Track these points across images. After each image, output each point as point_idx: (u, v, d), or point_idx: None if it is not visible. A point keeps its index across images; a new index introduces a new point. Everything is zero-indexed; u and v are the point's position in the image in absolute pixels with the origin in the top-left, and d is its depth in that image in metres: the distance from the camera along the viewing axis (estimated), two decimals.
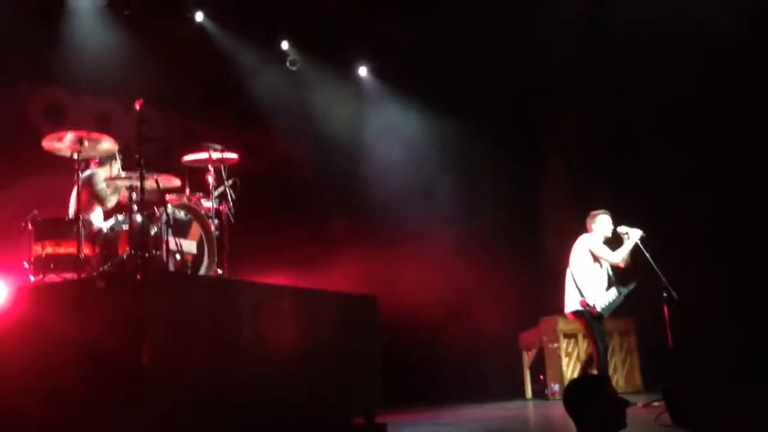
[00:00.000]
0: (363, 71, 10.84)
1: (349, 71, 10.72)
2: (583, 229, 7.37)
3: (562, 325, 8.77)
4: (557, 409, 7.53)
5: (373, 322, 6.50)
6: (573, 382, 3.29)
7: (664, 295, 6.75)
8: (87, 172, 6.04)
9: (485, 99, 10.33)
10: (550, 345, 8.86)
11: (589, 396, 3.05)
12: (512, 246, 10.05)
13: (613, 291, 7.11)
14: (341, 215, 10.39)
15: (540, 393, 8.85)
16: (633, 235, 7.02)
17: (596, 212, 7.33)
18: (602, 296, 7.05)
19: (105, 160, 6.17)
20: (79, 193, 5.73)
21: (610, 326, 8.99)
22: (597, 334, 7.01)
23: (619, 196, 9.31)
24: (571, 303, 7.14)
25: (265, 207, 8.79)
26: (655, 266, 6.86)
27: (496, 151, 10.31)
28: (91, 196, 6.03)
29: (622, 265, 7.20)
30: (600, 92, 9.81)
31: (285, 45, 10.14)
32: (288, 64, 10.14)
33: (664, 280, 6.80)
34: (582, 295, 7.02)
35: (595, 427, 3.00)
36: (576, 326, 8.63)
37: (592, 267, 7.14)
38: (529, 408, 7.90)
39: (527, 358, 9.17)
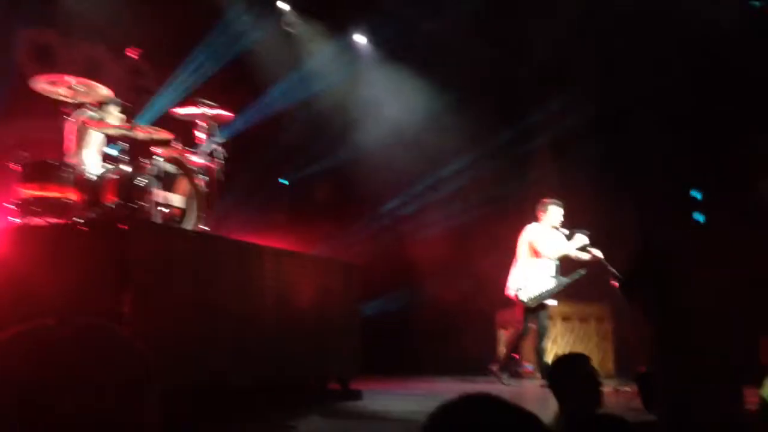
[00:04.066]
0: (360, 38, 10.74)
1: (345, 36, 10.60)
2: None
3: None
4: (529, 387, 7.63)
5: (355, 289, 6.53)
6: (557, 358, 3.36)
7: (614, 283, 7.05)
8: (77, 118, 5.95)
9: (479, 80, 10.27)
10: (527, 324, 8.91)
11: (569, 372, 3.12)
12: (496, 223, 10.07)
13: (551, 281, 7.42)
14: (329, 181, 10.35)
15: (514, 372, 8.92)
16: (578, 240, 7.38)
17: (548, 201, 7.54)
18: (534, 287, 7.39)
19: (97, 107, 6.09)
20: (67, 138, 5.66)
21: (587, 311, 9.14)
22: (525, 319, 7.51)
23: (604, 184, 9.41)
24: (510, 288, 7.57)
25: (253, 167, 8.74)
26: (604, 261, 7.27)
27: (488, 130, 10.29)
28: (80, 140, 5.95)
29: (572, 255, 7.54)
30: (590, 80, 9.79)
31: (282, 5, 10.02)
32: (284, 24, 10.02)
33: (612, 270, 7.08)
34: (516, 284, 7.46)
35: (573, 403, 3.05)
36: (553, 309, 8.81)
37: (532, 257, 7.44)
38: (503, 385, 7.96)
39: (504, 335, 9.24)
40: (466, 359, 9.16)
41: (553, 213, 7.48)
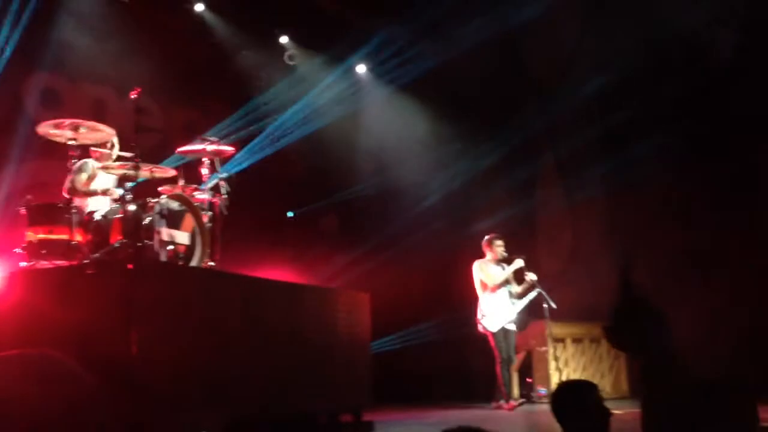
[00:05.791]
0: (361, 68, 10.82)
1: (347, 68, 10.69)
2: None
3: (550, 329, 8.79)
4: (543, 413, 7.56)
5: (364, 319, 6.51)
6: (560, 386, 3.28)
7: (544, 305, 7.99)
8: (81, 161, 6.02)
9: (481, 101, 10.32)
10: (538, 348, 8.89)
11: (574, 401, 3.06)
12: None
13: (506, 308, 7.98)
14: (334, 212, 10.38)
15: (527, 396, 8.87)
16: (515, 264, 8.09)
17: (490, 236, 8.21)
18: (493, 316, 7.95)
19: (102, 148, 6.15)
20: (73, 181, 5.74)
21: (598, 332, 9.09)
22: (497, 348, 7.93)
23: (612, 199, 9.43)
24: (478, 323, 8.04)
25: (258, 201, 8.79)
26: (537, 285, 8.00)
27: (492, 154, 10.33)
28: (86, 183, 6.02)
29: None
30: (591, 92, 9.81)
31: (284, 39, 10.14)
32: (286, 58, 10.13)
33: (543, 293, 7.97)
34: (479, 319, 8.00)
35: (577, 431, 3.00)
36: (564, 330, 8.86)
37: (484, 290, 8.03)
38: (516, 410, 7.91)
39: (515, 361, 9.18)
40: (478, 386, 9.12)
41: (496, 247, 8.12)
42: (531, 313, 8.35)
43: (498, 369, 7.93)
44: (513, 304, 8.05)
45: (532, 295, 8.05)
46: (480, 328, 8.02)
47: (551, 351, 8.71)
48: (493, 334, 7.93)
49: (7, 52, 7.51)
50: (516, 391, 9.07)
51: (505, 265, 8.16)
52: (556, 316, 8.45)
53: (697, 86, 8.95)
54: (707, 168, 9.03)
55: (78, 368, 1.61)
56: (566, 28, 9.45)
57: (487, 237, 8.25)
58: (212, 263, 6.03)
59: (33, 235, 5.43)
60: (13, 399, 1.51)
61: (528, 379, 9.02)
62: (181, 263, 5.72)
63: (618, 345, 3.37)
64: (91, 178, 6.05)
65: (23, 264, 5.42)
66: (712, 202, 9.03)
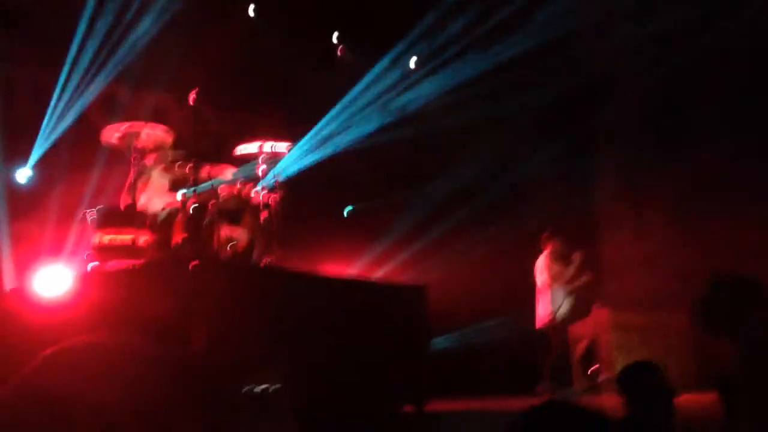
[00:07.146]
0: (413, 63, 10.79)
1: (399, 63, 10.68)
2: None
3: (614, 316, 8.66)
4: (607, 400, 7.46)
5: (423, 311, 6.53)
6: (625, 366, 3.28)
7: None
8: (143, 163, 6.21)
9: (534, 90, 10.18)
10: (602, 336, 8.76)
11: (639, 380, 3.06)
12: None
13: (568, 301, 8.31)
14: (392, 205, 10.41)
15: (591, 384, 8.76)
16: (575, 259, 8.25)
17: (547, 234, 8.38)
18: (561, 309, 8.29)
19: (162, 151, 6.33)
20: (135, 184, 5.93)
21: (665, 320, 8.92)
22: (557, 339, 8.21)
23: (674, 189, 9.17)
24: (541, 317, 8.30)
25: (316, 197, 8.90)
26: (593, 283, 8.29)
27: (547, 147, 10.18)
28: (148, 186, 6.21)
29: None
30: (648, 81, 9.55)
31: (335, 38, 10.22)
32: (337, 55, 10.21)
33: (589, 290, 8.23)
34: (545, 311, 8.26)
35: (643, 412, 2.99)
36: (628, 317, 8.73)
37: (546, 285, 8.27)
38: (580, 399, 7.83)
39: (579, 349, 9.08)
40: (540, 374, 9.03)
41: (554, 244, 8.30)
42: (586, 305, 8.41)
43: (550, 360, 8.18)
44: (561, 299, 8.26)
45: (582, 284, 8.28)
46: (546, 320, 8.23)
47: (615, 338, 8.60)
48: (560, 327, 8.15)
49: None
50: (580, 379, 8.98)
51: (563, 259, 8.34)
52: (620, 304, 8.33)
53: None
54: None
55: (155, 351, 1.67)
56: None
57: (544, 234, 8.39)
58: (271, 259, 6.14)
59: (101, 238, 5.64)
60: (81, 386, 1.56)
61: (592, 367, 8.89)
62: (241, 260, 5.85)
63: (711, 329, 3.21)
64: (152, 180, 6.23)
65: (92, 265, 5.63)
66: None
